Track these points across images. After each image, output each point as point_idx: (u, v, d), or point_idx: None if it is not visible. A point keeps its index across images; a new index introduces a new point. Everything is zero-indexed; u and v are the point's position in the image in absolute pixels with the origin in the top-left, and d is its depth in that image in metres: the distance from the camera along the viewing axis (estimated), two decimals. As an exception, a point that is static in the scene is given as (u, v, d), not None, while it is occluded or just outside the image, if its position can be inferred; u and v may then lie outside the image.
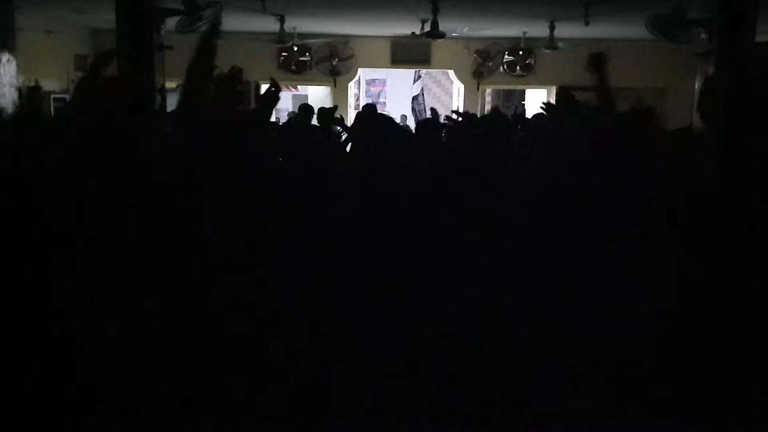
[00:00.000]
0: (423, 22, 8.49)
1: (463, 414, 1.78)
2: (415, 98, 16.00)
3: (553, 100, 11.22)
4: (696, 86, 5.87)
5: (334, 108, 4.71)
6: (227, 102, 1.95)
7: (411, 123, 12.12)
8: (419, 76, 15.86)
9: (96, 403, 1.59)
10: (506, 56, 10.94)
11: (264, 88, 2.44)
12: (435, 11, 7.39)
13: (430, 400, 1.78)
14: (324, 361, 1.78)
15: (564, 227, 1.98)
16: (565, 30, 8.99)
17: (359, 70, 11.45)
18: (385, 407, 1.75)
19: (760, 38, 5.74)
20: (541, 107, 3.38)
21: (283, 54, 10.75)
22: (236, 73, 1.95)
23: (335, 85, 11.05)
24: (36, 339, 1.58)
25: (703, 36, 5.78)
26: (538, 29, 9.30)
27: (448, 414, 1.76)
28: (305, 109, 7.38)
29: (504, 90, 14.27)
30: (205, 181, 1.81)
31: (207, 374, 1.69)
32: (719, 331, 1.76)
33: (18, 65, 5.47)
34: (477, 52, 10.89)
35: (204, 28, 2.08)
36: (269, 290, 1.80)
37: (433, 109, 5.03)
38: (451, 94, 14.17)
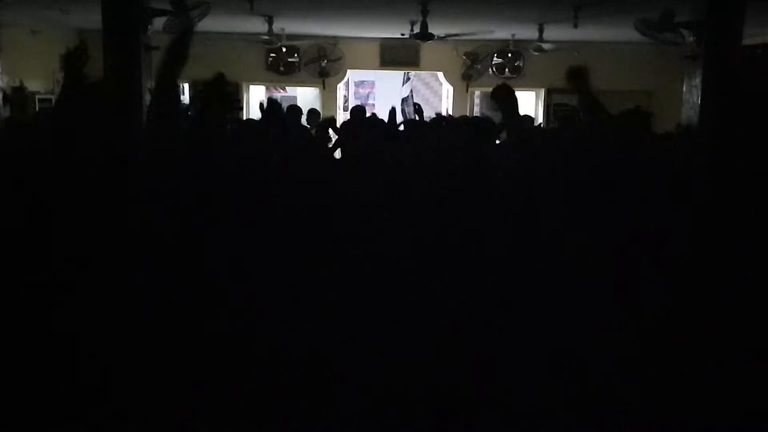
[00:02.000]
0: (412, 24, 8.48)
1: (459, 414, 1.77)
2: (404, 100, 16.00)
3: (541, 103, 11.28)
4: (684, 89, 5.88)
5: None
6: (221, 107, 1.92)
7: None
8: (408, 78, 15.85)
9: (93, 403, 1.56)
10: (495, 58, 10.95)
11: (253, 89, 2.41)
12: (424, 13, 7.38)
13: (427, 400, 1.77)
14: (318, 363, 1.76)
15: (552, 226, 1.96)
16: (554, 32, 9.01)
17: (348, 71, 11.43)
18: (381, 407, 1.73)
19: (747, 41, 5.77)
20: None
21: (272, 55, 10.71)
22: (219, 78, 1.92)
23: (324, 87, 11.03)
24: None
25: (690, 38, 5.80)
26: (527, 32, 9.32)
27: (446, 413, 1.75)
28: (293, 109, 7.45)
29: (493, 92, 14.26)
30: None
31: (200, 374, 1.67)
32: (714, 331, 1.75)
33: (3, 65, 5.43)
34: (466, 54, 10.90)
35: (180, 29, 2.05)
36: (262, 293, 1.78)
37: (417, 105, 5.09)
38: (440, 96, 14.17)
